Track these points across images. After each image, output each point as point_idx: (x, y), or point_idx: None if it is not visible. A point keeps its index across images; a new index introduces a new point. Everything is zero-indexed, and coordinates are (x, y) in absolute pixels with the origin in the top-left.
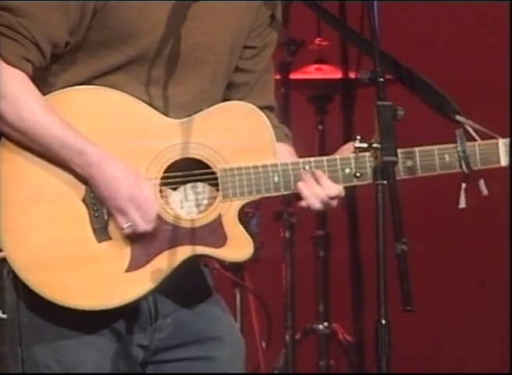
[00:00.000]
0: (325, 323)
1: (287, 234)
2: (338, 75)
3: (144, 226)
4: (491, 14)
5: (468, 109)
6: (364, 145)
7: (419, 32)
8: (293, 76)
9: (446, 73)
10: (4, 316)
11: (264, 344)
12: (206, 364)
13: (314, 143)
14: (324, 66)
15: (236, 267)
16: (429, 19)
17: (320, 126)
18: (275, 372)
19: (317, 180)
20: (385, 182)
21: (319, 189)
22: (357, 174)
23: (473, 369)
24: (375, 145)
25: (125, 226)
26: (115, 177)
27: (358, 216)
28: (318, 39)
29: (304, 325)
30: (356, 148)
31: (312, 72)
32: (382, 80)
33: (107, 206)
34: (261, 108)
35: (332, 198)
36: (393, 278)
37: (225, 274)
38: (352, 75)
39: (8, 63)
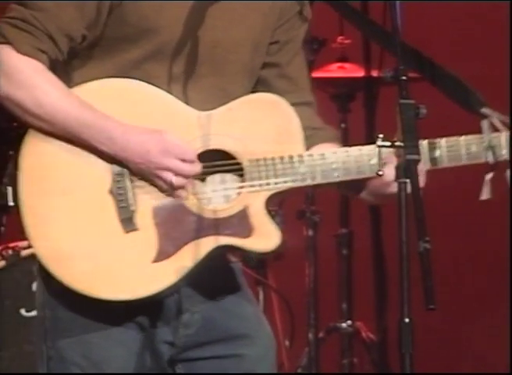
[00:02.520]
0: (349, 322)
1: (310, 232)
2: (360, 73)
3: (189, 168)
4: (491, 14)
5: (454, 110)
6: (387, 144)
7: (418, 32)
8: (316, 74)
9: None
10: (27, 315)
11: (287, 343)
12: (235, 362)
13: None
14: (346, 65)
15: (259, 265)
16: (429, 19)
17: (342, 125)
18: (299, 370)
19: None
20: (407, 180)
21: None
22: (380, 173)
23: (496, 368)
24: (397, 144)
25: (173, 178)
26: (141, 142)
27: (381, 214)
28: (341, 37)
29: (327, 323)
30: (378, 146)
31: (335, 70)
32: (404, 78)
33: (145, 173)
34: (297, 104)
35: None
36: (416, 276)
37: (248, 273)
38: (374, 73)
39: (22, 54)
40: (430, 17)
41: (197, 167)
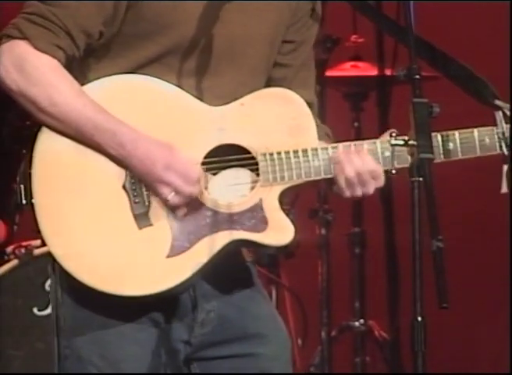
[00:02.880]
0: (361, 320)
1: (323, 231)
2: (374, 72)
3: (188, 189)
4: (491, 14)
5: (468, 109)
6: (401, 142)
7: (418, 32)
8: (329, 73)
9: None
10: (40, 314)
11: (300, 342)
12: (250, 361)
13: (349, 140)
14: (360, 63)
15: (271, 264)
16: (429, 19)
17: (356, 124)
18: (311, 369)
19: (358, 154)
20: (421, 179)
21: (360, 161)
22: (393, 171)
23: (508, 368)
24: (411, 142)
25: (170, 196)
26: (149, 151)
27: (394, 213)
28: (354, 36)
29: (340, 322)
30: (392, 145)
31: (348, 69)
32: (417, 77)
33: (146, 183)
34: None
35: (371, 175)
36: (429, 275)
37: (261, 271)
38: (388, 72)
39: (39, 50)
40: (429, 17)
41: (197, 189)
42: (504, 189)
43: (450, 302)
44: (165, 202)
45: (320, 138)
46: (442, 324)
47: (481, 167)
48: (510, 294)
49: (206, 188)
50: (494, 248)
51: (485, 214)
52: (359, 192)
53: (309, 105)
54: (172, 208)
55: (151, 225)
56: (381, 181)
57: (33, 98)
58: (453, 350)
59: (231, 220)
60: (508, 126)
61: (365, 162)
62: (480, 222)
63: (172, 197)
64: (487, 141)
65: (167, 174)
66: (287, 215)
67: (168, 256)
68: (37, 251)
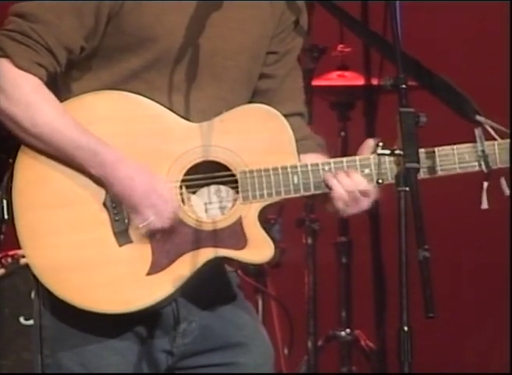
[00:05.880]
0: (348, 330)
1: (309, 241)
2: (360, 81)
3: (158, 224)
4: (491, 14)
5: (454, 119)
6: (387, 152)
7: (418, 32)
8: (316, 82)
9: (445, 73)
10: (26, 323)
11: (286, 351)
12: (232, 370)
13: (336, 149)
14: (346, 73)
15: (258, 273)
16: (428, 19)
17: (342, 133)
18: None
19: (347, 175)
20: (407, 188)
21: (349, 181)
22: (379, 181)
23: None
24: (397, 152)
25: (140, 225)
26: (129, 176)
27: (380, 223)
28: (341, 45)
29: (327, 331)
30: (378, 154)
31: (335, 78)
32: (404, 86)
33: (126, 206)
34: (289, 115)
35: (363, 194)
36: (416, 285)
37: (247, 281)
38: (374, 81)
39: (21, 68)
40: (429, 17)
41: (167, 225)
42: (485, 205)
43: (439, 312)
44: (145, 225)
45: (312, 149)
46: (429, 333)
47: (479, 173)
48: (510, 295)
49: (188, 206)
50: (490, 254)
51: (480, 222)
52: (354, 210)
53: (298, 115)
54: (151, 231)
55: (131, 242)
56: (373, 197)
57: (15, 117)
58: (440, 359)
59: (211, 237)
60: (487, 143)
61: (356, 183)
62: (474, 229)
63: (141, 227)
64: (467, 158)
65: (142, 204)
66: (274, 224)
67: (148, 274)
68: (23, 261)
